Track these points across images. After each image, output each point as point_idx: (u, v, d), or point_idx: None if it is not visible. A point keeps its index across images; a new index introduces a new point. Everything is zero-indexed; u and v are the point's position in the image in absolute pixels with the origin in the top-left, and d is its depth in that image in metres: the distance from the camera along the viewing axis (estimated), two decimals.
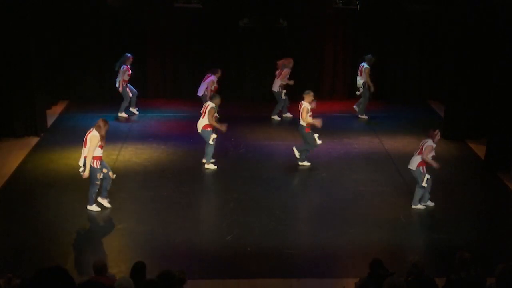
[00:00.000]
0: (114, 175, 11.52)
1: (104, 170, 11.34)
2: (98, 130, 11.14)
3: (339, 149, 14.59)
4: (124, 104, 16.50)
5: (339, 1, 16.61)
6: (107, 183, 11.50)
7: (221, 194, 12.75)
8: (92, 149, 11.04)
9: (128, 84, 16.41)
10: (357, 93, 16.70)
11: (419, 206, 11.61)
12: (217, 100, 13.45)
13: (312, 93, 13.37)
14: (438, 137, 11.44)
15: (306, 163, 13.54)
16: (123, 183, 12.51)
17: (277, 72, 16.52)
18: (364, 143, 15.14)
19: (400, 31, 18.10)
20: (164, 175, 13.16)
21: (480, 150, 14.37)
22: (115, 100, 16.88)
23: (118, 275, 8.32)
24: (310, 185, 13.04)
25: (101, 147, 11.21)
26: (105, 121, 11.34)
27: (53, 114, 16.69)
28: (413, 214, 11.56)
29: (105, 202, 11.54)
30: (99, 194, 11.49)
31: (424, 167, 11.40)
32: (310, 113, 13.23)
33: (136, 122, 16.51)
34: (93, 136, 11.07)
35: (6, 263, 9.68)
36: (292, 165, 13.60)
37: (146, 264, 7.56)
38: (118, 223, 11.20)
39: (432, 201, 11.70)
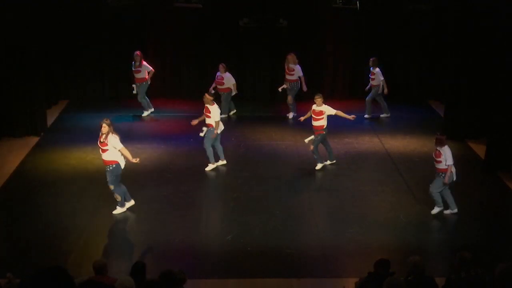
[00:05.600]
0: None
1: None
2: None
3: (339, 149, 14.57)
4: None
5: (339, 1, 16.60)
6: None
7: (221, 194, 12.75)
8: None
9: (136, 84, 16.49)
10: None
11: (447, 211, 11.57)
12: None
13: (316, 96, 13.35)
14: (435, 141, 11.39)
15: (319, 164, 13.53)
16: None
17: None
18: (364, 143, 15.14)
19: (400, 31, 18.09)
20: (164, 175, 13.17)
21: (480, 150, 14.37)
22: (115, 100, 16.90)
23: (118, 275, 8.33)
24: (310, 185, 13.04)
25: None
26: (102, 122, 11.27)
27: (53, 114, 16.70)
28: (413, 214, 11.55)
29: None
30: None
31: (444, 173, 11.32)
32: (311, 114, 13.28)
33: (136, 122, 16.52)
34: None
35: (6, 263, 9.69)
36: (292, 164, 13.60)
37: (146, 264, 7.56)
38: (118, 223, 11.20)
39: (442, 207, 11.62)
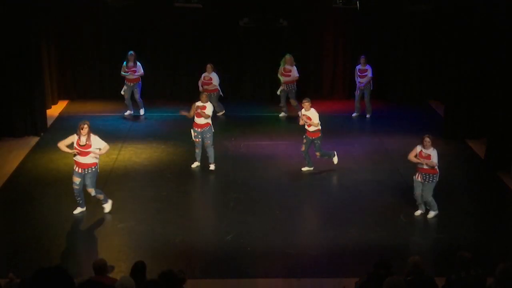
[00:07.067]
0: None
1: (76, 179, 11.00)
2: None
3: (339, 149, 14.55)
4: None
5: (339, 0, 16.60)
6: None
7: (221, 194, 12.75)
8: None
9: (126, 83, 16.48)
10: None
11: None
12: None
13: (304, 100, 13.14)
14: (425, 142, 11.22)
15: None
16: (123, 182, 12.53)
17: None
18: (364, 143, 15.14)
19: (400, 31, 18.09)
20: (164, 175, 13.17)
21: (480, 150, 14.37)
22: (115, 100, 16.90)
23: (118, 275, 8.33)
24: (310, 185, 13.03)
25: (76, 149, 10.81)
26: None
27: (53, 114, 16.71)
28: (413, 214, 11.54)
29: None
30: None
31: (417, 174, 11.30)
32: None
33: (136, 122, 16.53)
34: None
35: (6, 263, 9.69)
36: (292, 165, 13.59)
37: (146, 264, 7.56)
38: (118, 223, 11.19)
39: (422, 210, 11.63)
